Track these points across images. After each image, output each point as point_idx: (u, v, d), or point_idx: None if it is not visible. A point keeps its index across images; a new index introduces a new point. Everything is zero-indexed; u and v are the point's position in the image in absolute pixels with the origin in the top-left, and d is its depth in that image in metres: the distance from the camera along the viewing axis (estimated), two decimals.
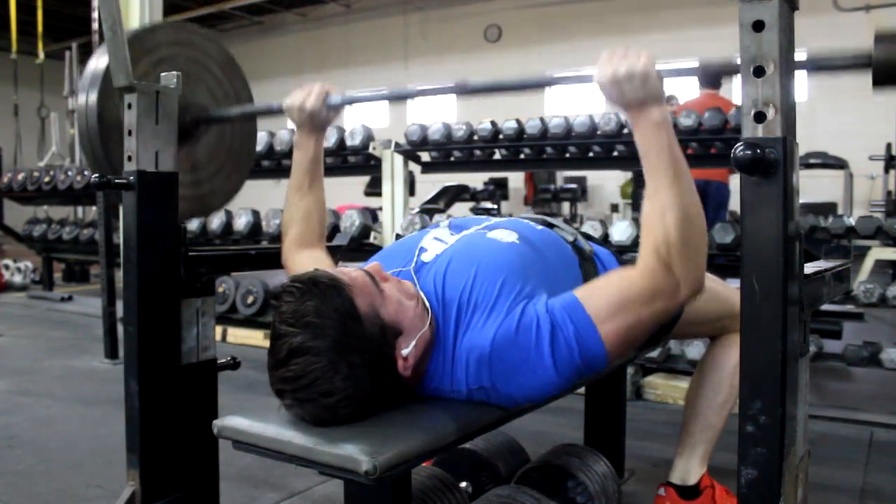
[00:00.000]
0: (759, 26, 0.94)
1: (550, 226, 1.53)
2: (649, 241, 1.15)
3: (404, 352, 1.16)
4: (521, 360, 1.15)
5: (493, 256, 1.28)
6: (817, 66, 1.04)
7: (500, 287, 1.21)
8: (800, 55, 0.98)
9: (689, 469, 1.65)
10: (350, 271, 1.19)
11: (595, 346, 1.14)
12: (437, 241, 1.38)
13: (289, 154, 3.96)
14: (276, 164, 4.22)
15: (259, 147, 4.07)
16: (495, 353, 1.16)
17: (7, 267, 6.87)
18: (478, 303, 1.21)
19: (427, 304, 1.23)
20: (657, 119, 1.15)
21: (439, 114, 12.27)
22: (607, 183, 11.54)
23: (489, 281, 1.22)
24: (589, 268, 1.45)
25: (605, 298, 1.16)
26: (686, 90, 6.18)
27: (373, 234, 3.63)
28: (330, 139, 3.85)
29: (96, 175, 1.54)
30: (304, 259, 1.54)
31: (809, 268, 1.18)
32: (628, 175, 9.72)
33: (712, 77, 5.43)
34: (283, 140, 3.96)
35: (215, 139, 1.84)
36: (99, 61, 1.62)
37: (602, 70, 1.16)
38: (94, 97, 1.59)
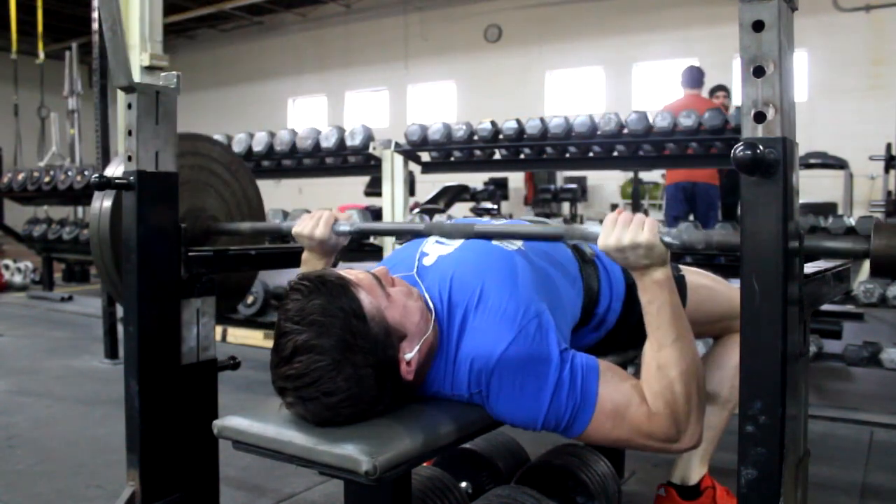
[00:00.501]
0: (759, 26, 0.94)
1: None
2: (655, 389, 1.17)
3: (408, 356, 1.16)
4: (520, 389, 1.16)
5: (500, 266, 1.28)
6: (820, 252, 1.04)
7: (509, 299, 1.21)
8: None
9: (690, 469, 1.65)
10: (357, 273, 1.19)
11: (579, 426, 1.17)
12: (438, 245, 1.39)
13: (289, 154, 3.96)
14: (276, 165, 4.22)
15: (259, 147, 4.07)
16: (499, 370, 1.17)
17: (7, 267, 6.88)
18: (484, 310, 1.21)
19: (431, 308, 1.23)
20: (660, 279, 1.17)
21: (439, 114, 12.28)
22: (607, 183, 11.54)
23: (498, 291, 1.23)
24: (590, 270, 1.45)
25: (617, 397, 1.17)
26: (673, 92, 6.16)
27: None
28: (330, 139, 3.85)
29: (96, 175, 1.54)
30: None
31: (809, 268, 1.18)
32: (628, 175, 9.73)
33: (694, 79, 5.49)
34: (283, 140, 3.96)
35: (227, 242, 1.90)
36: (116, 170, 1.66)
37: (606, 238, 1.17)
38: (108, 203, 1.68)
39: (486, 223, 1.43)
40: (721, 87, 6.42)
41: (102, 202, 1.69)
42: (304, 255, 1.56)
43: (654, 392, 1.16)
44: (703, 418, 1.20)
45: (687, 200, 5.46)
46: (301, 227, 1.52)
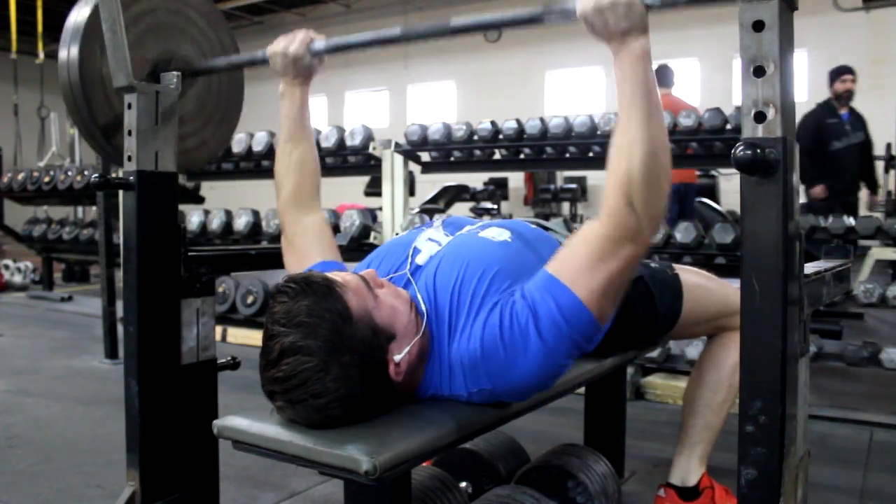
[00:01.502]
0: (759, 26, 0.94)
1: (545, 228, 1.53)
2: (614, 177, 1.13)
3: (397, 357, 1.15)
4: (511, 353, 1.14)
5: (481, 256, 1.27)
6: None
7: (488, 286, 1.20)
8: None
9: (689, 469, 1.65)
10: (345, 274, 1.19)
11: (578, 310, 1.13)
12: (431, 242, 1.37)
13: None
14: None
15: (259, 147, 4.08)
16: (486, 355, 1.16)
17: (7, 267, 6.88)
18: (465, 304, 1.20)
19: (422, 310, 1.23)
20: (638, 51, 1.13)
21: (439, 114, 12.28)
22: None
23: (476, 281, 1.21)
24: None
25: (575, 262, 1.15)
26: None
27: (373, 234, 3.63)
28: (330, 139, 3.85)
29: (96, 175, 1.54)
30: (305, 224, 1.51)
31: (809, 268, 1.18)
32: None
33: (666, 78, 5.51)
34: None
35: (202, 91, 1.82)
36: (79, 13, 1.59)
37: (585, 0, 1.14)
38: (75, 51, 1.57)
39: (461, 21, 1.38)
40: (846, 70, 6.16)
41: (69, 49, 1.59)
42: (280, 87, 1.54)
43: (610, 184, 1.13)
44: (664, 203, 1.15)
45: (679, 202, 5.49)
46: (276, 45, 1.51)
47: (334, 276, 1.16)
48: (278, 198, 1.56)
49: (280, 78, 1.55)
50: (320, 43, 1.49)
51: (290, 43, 1.49)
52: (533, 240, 1.39)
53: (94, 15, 1.55)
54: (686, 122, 3.27)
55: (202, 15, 1.79)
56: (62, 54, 1.60)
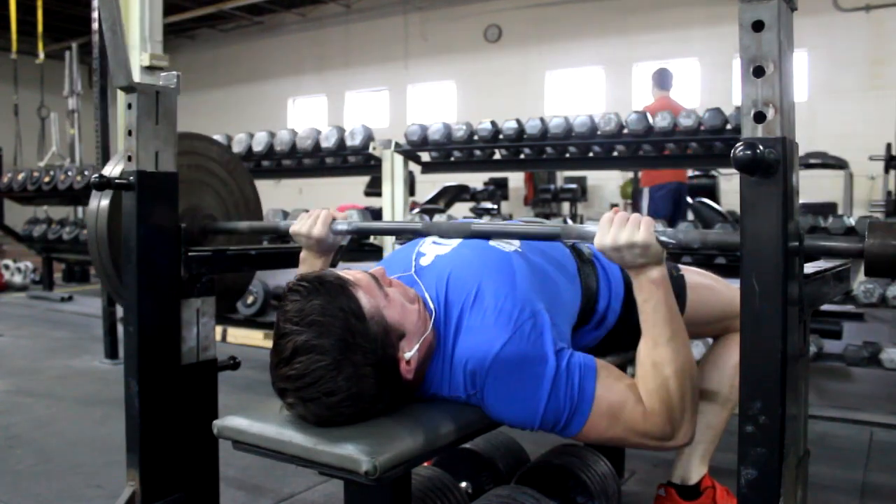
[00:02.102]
0: (758, 26, 0.94)
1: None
2: (650, 388, 1.18)
3: (407, 355, 1.16)
4: (517, 389, 1.17)
5: (497, 267, 1.29)
6: (815, 252, 1.04)
7: (505, 298, 1.21)
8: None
9: (690, 469, 1.65)
10: (355, 273, 1.20)
11: (576, 425, 1.18)
12: (435, 245, 1.39)
13: (289, 154, 3.96)
14: (276, 165, 4.22)
15: (259, 147, 4.07)
16: (494, 370, 1.17)
17: (7, 267, 6.88)
18: (480, 309, 1.22)
19: (430, 308, 1.24)
20: (656, 278, 1.18)
21: (439, 114, 12.28)
22: (607, 183, 11.53)
23: (494, 291, 1.23)
24: (588, 269, 1.45)
25: (613, 396, 1.18)
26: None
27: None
28: (330, 139, 3.85)
29: (96, 175, 1.54)
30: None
31: (809, 268, 1.18)
32: (628, 175, 9.72)
33: (665, 81, 5.52)
34: (283, 140, 3.96)
35: (224, 242, 1.91)
36: (114, 169, 1.66)
37: (602, 237, 1.17)
38: (105, 203, 1.68)
39: (482, 223, 1.43)
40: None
41: (100, 201, 1.69)
42: (303, 255, 1.56)
43: (649, 391, 1.17)
44: (696, 415, 1.21)
45: (674, 202, 5.52)
46: (299, 226, 1.52)
47: (346, 274, 1.17)
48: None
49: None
50: (342, 224, 1.51)
51: (312, 224, 1.50)
52: (538, 248, 1.40)
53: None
54: (686, 122, 3.27)
55: (222, 164, 1.90)
56: (93, 204, 1.70)
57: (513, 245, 1.37)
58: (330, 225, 1.50)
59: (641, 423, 1.17)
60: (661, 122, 3.20)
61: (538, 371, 1.16)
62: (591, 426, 1.18)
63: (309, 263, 1.55)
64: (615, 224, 1.16)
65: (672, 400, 1.16)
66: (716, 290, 1.64)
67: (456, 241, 1.38)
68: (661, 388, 1.16)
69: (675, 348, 1.17)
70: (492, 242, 1.37)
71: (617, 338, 1.53)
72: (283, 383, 1.11)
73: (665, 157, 3.50)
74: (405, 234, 1.53)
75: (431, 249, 1.38)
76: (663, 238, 1.15)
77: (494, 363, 1.16)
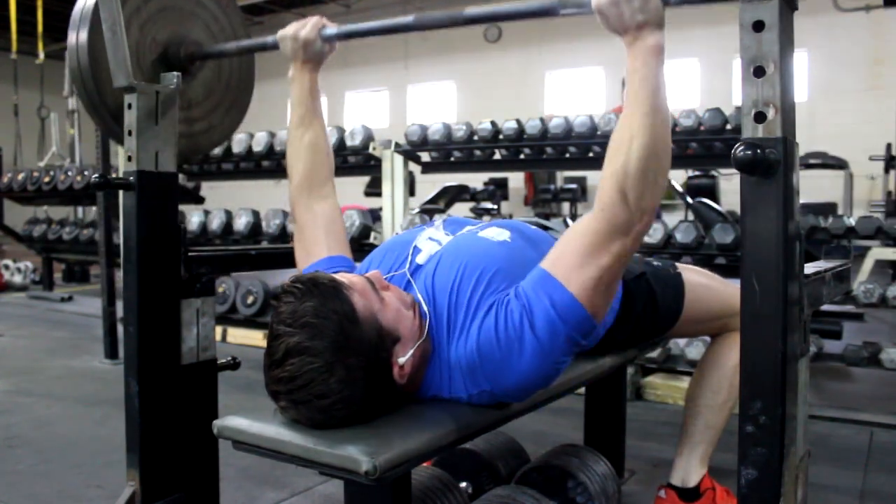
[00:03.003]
0: (759, 26, 0.94)
1: (545, 228, 1.53)
2: (610, 169, 1.12)
3: (401, 360, 1.15)
4: (507, 353, 1.14)
5: (480, 256, 1.26)
6: None
7: (486, 287, 1.20)
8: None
9: (690, 470, 1.65)
10: (351, 276, 1.19)
11: (572, 306, 1.13)
12: (431, 241, 1.37)
13: None
14: (276, 164, 4.22)
15: (259, 147, 4.08)
16: (483, 355, 1.16)
17: (7, 267, 6.87)
18: (463, 305, 1.20)
19: (425, 312, 1.22)
20: (652, 45, 1.12)
21: (439, 114, 12.27)
22: None
23: (474, 282, 1.21)
24: None
25: (568, 257, 1.14)
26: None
27: (373, 234, 3.63)
28: (330, 139, 3.85)
29: (96, 175, 1.54)
30: (316, 212, 1.49)
31: (809, 268, 1.18)
32: None
33: None
34: (283, 140, 3.96)
35: (211, 75, 1.81)
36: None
37: None
38: (84, 35, 1.56)
39: (475, 11, 1.35)
40: None
41: (79, 33, 1.59)
42: (290, 73, 1.53)
43: (606, 173, 1.12)
44: (657, 199, 1.14)
45: None
46: (287, 29, 1.50)
47: (341, 277, 1.16)
48: (290, 184, 1.54)
49: (289, 63, 1.54)
50: (332, 28, 1.49)
51: (301, 27, 1.49)
52: (533, 239, 1.39)
53: None
54: (686, 122, 3.27)
55: (215, 1, 1.80)
56: (71, 38, 1.59)
57: (503, 235, 1.35)
58: (320, 29, 1.49)
59: (603, 227, 1.11)
60: None
61: (513, 322, 1.13)
62: (579, 292, 1.12)
63: (298, 81, 1.53)
64: None
65: (633, 177, 1.10)
66: (713, 288, 1.64)
67: (448, 238, 1.37)
68: (623, 164, 1.10)
69: (652, 123, 1.10)
70: (481, 234, 1.36)
71: (616, 337, 1.53)
72: (276, 385, 1.10)
73: None
74: (393, 31, 1.44)
75: (427, 246, 1.36)
76: None
77: (479, 350, 1.15)
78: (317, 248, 1.45)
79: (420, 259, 1.33)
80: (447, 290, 1.23)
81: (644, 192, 1.11)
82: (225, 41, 1.78)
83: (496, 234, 1.36)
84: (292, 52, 1.51)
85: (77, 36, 1.58)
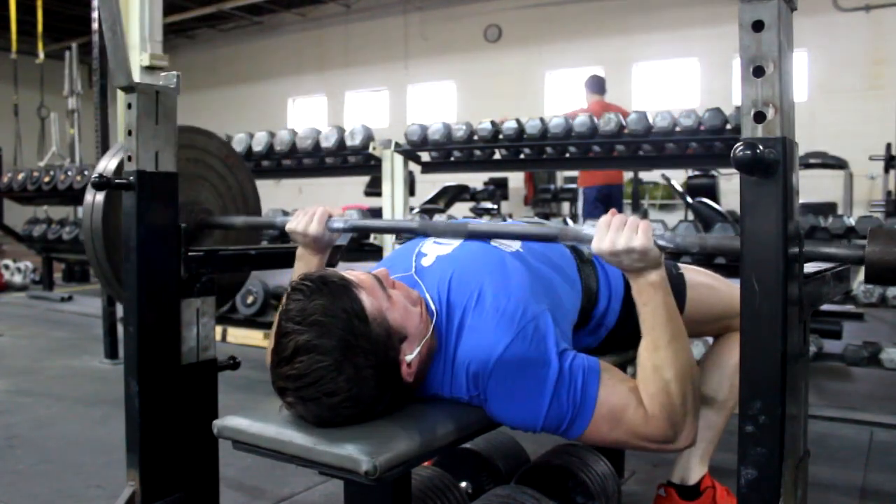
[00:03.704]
0: (758, 26, 0.94)
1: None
2: (651, 391, 1.17)
3: (408, 357, 1.16)
4: (520, 392, 1.16)
5: (499, 268, 1.28)
6: (815, 258, 1.04)
7: (507, 300, 1.21)
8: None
9: (690, 469, 1.65)
10: (359, 274, 1.19)
11: (578, 428, 1.17)
12: (436, 245, 1.38)
13: (289, 154, 3.96)
14: (275, 165, 4.22)
15: (259, 147, 4.07)
16: (497, 372, 1.17)
17: (7, 267, 6.87)
18: (482, 311, 1.21)
19: (432, 310, 1.23)
20: (655, 281, 1.17)
21: (439, 114, 12.27)
22: None
23: (495, 292, 1.23)
24: (588, 270, 1.45)
25: (615, 399, 1.18)
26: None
27: (372, 234, 3.63)
28: (330, 139, 3.85)
29: (96, 175, 1.54)
30: None
31: (809, 268, 1.18)
32: (628, 175, 9.72)
33: (599, 86, 6.06)
34: (283, 140, 3.96)
35: (220, 238, 1.90)
36: (108, 163, 1.66)
37: (600, 242, 1.16)
38: (101, 197, 1.67)
39: (480, 224, 1.42)
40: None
41: (95, 197, 1.67)
42: (299, 252, 1.55)
43: (650, 394, 1.17)
44: (697, 418, 1.20)
45: (603, 202, 5.92)
46: (294, 223, 1.51)
47: (349, 275, 1.17)
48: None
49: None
50: (339, 221, 1.50)
51: (308, 222, 1.50)
52: (539, 248, 1.40)
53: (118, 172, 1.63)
54: (686, 122, 3.27)
55: (220, 159, 1.89)
56: (87, 199, 1.68)
57: (514, 245, 1.37)
58: (326, 223, 1.49)
59: (643, 426, 1.17)
60: (661, 122, 3.20)
61: (541, 374, 1.16)
62: (593, 429, 1.17)
63: (305, 261, 1.54)
64: (612, 228, 1.15)
65: (673, 403, 1.16)
66: (715, 288, 1.64)
67: (457, 242, 1.38)
68: (661, 391, 1.16)
69: (676, 351, 1.17)
70: (493, 242, 1.37)
71: (617, 337, 1.53)
72: (284, 382, 1.11)
73: (665, 157, 3.50)
74: (401, 233, 1.52)
75: (433, 249, 1.37)
76: (661, 242, 1.15)
77: (497, 366, 1.16)
78: None
79: (426, 262, 1.34)
80: (466, 294, 1.24)
81: (689, 416, 1.18)
82: (233, 199, 1.92)
83: (508, 243, 1.37)
84: (302, 244, 1.53)
85: (94, 198, 1.68)
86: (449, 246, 1.37)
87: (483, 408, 1.22)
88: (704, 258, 3.10)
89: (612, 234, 1.15)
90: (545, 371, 1.16)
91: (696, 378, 1.20)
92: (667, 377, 1.16)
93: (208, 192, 1.85)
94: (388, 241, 3.38)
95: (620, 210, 5.86)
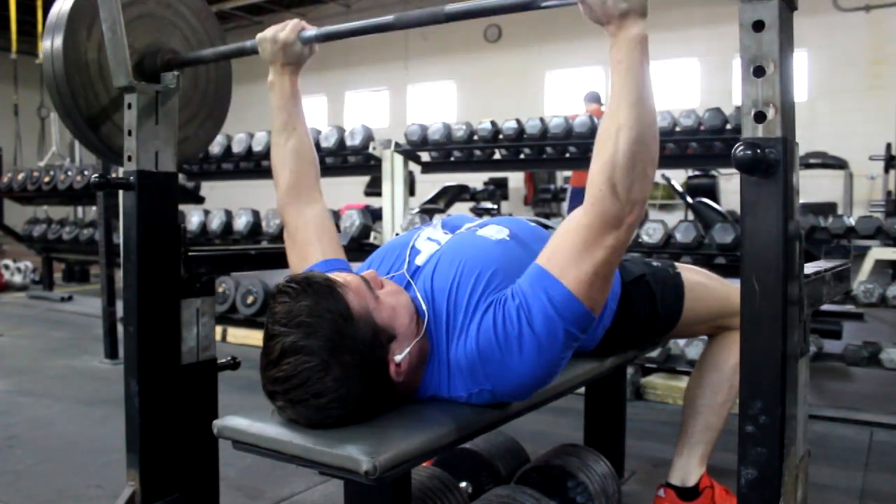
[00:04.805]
0: (759, 26, 0.94)
1: (545, 227, 1.53)
2: (598, 161, 1.12)
3: (397, 358, 1.15)
4: (507, 352, 1.14)
5: (478, 255, 1.27)
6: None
7: (484, 287, 1.20)
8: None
9: (689, 470, 1.65)
10: (346, 275, 1.19)
11: (570, 302, 1.13)
12: (430, 242, 1.37)
13: None
14: None
15: (259, 147, 4.08)
16: (483, 355, 1.16)
17: (7, 267, 6.87)
18: (462, 305, 1.20)
19: (423, 311, 1.22)
20: (635, 35, 1.11)
21: (439, 114, 12.27)
22: None
23: (473, 281, 1.21)
24: None
25: (563, 253, 1.14)
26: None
27: (373, 234, 3.63)
28: (330, 139, 3.86)
29: (96, 175, 1.54)
30: (307, 216, 1.47)
31: (809, 268, 1.18)
32: None
33: (595, 97, 6.61)
34: None
35: (188, 86, 1.80)
36: (63, 4, 1.56)
37: None
38: (59, 41, 1.54)
39: (455, 7, 1.33)
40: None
41: (53, 39, 1.55)
42: (269, 77, 1.50)
43: (594, 167, 1.12)
44: (648, 190, 1.14)
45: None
46: (265, 32, 1.48)
47: (335, 276, 1.16)
48: (277, 190, 1.51)
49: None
50: (311, 30, 1.47)
51: (280, 30, 1.47)
52: (531, 237, 1.39)
53: (78, 3, 1.54)
54: (686, 122, 3.28)
55: (193, 11, 1.78)
56: (45, 44, 1.57)
57: (501, 233, 1.36)
58: (299, 31, 1.46)
59: (595, 221, 1.11)
60: (660, 122, 3.20)
61: (511, 319, 1.14)
62: (575, 287, 1.12)
63: (276, 83, 1.49)
64: None
65: (621, 168, 1.09)
66: (712, 287, 1.64)
67: (447, 237, 1.37)
68: (611, 157, 1.10)
69: (639, 114, 1.10)
70: (479, 233, 1.36)
71: (615, 338, 1.53)
72: (272, 385, 1.10)
73: (665, 157, 3.50)
74: (374, 31, 1.42)
75: (426, 246, 1.36)
76: None
77: (479, 349, 1.15)
78: (311, 251, 1.44)
79: (419, 260, 1.33)
80: (445, 290, 1.23)
81: (633, 184, 1.11)
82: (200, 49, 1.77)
83: (495, 232, 1.36)
84: (271, 55, 1.48)
85: (52, 42, 1.56)
86: (441, 242, 1.36)
87: (497, 399, 1.20)
88: (705, 257, 3.10)
89: None
90: (509, 313, 1.14)
91: (654, 146, 1.13)
92: (621, 139, 1.09)
93: (178, 39, 1.74)
94: (389, 241, 3.37)
95: None
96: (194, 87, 1.82)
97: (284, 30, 1.46)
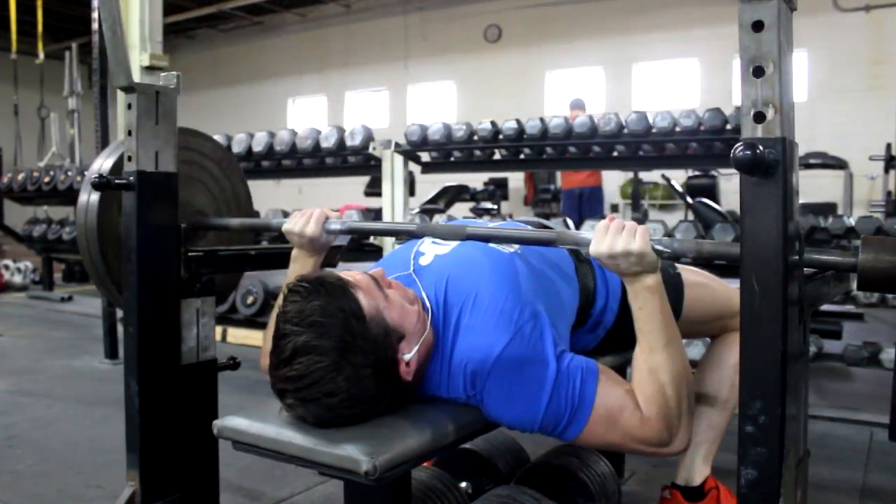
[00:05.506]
0: (758, 26, 0.94)
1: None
2: (647, 394, 1.18)
3: (406, 356, 1.16)
4: (517, 391, 1.16)
5: (497, 268, 1.29)
6: (811, 266, 1.03)
7: (505, 300, 1.21)
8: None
9: (693, 470, 1.65)
10: (355, 274, 1.19)
11: (574, 429, 1.18)
12: (434, 245, 1.39)
13: (289, 154, 3.96)
14: (276, 165, 4.22)
15: (259, 147, 4.07)
16: (495, 372, 1.17)
17: (7, 267, 6.87)
18: (479, 311, 1.21)
19: (428, 307, 1.24)
20: (651, 285, 1.18)
21: (439, 114, 12.27)
22: (607, 183, 11.49)
23: (493, 292, 1.23)
24: (585, 269, 1.45)
25: (612, 401, 1.18)
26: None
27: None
28: (330, 139, 3.85)
29: (96, 175, 1.54)
30: None
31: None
32: (628, 175, 9.73)
33: (580, 104, 6.66)
34: (283, 140, 3.96)
35: (214, 239, 1.89)
36: (104, 162, 1.66)
37: (598, 245, 1.16)
38: (95, 197, 1.65)
39: (478, 224, 1.42)
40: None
41: (90, 196, 1.65)
42: (294, 253, 1.52)
43: (646, 397, 1.17)
44: (692, 421, 1.21)
45: (577, 206, 6.53)
46: (291, 224, 1.49)
47: (346, 275, 1.17)
48: (263, 358, 1.34)
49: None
50: (335, 223, 1.48)
51: (305, 223, 1.47)
52: (537, 249, 1.40)
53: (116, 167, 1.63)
54: (686, 122, 3.27)
55: (215, 161, 1.88)
56: (83, 197, 1.67)
57: (512, 246, 1.37)
58: (323, 224, 1.48)
59: (639, 429, 1.17)
60: (661, 122, 3.20)
61: (539, 374, 1.16)
62: (589, 431, 1.18)
63: (301, 263, 1.52)
64: (611, 232, 1.15)
65: (669, 406, 1.16)
66: (712, 288, 1.64)
67: (455, 242, 1.38)
68: (657, 393, 1.16)
69: (671, 354, 1.18)
70: (491, 244, 1.37)
71: (616, 338, 1.53)
72: (283, 384, 1.11)
73: (665, 157, 3.50)
74: (400, 235, 1.51)
75: (431, 249, 1.38)
76: (659, 247, 1.15)
77: (495, 365, 1.16)
78: None
79: (424, 261, 1.35)
80: (462, 295, 1.24)
81: (683, 419, 1.18)
82: (227, 202, 1.91)
83: (505, 245, 1.37)
84: (298, 245, 1.50)
85: (88, 197, 1.67)
86: (447, 246, 1.38)
87: (479, 407, 1.22)
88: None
89: (609, 237, 1.15)
90: (543, 371, 1.16)
91: (691, 381, 1.21)
92: (662, 380, 1.16)
93: (203, 194, 1.84)
94: (388, 241, 3.37)
95: (593, 211, 6.12)
96: (217, 240, 1.94)
97: (310, 224, 1.46)
